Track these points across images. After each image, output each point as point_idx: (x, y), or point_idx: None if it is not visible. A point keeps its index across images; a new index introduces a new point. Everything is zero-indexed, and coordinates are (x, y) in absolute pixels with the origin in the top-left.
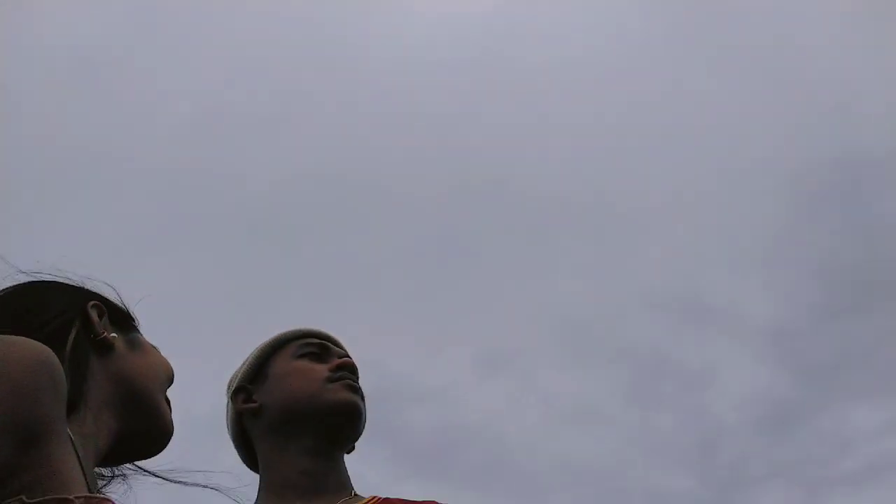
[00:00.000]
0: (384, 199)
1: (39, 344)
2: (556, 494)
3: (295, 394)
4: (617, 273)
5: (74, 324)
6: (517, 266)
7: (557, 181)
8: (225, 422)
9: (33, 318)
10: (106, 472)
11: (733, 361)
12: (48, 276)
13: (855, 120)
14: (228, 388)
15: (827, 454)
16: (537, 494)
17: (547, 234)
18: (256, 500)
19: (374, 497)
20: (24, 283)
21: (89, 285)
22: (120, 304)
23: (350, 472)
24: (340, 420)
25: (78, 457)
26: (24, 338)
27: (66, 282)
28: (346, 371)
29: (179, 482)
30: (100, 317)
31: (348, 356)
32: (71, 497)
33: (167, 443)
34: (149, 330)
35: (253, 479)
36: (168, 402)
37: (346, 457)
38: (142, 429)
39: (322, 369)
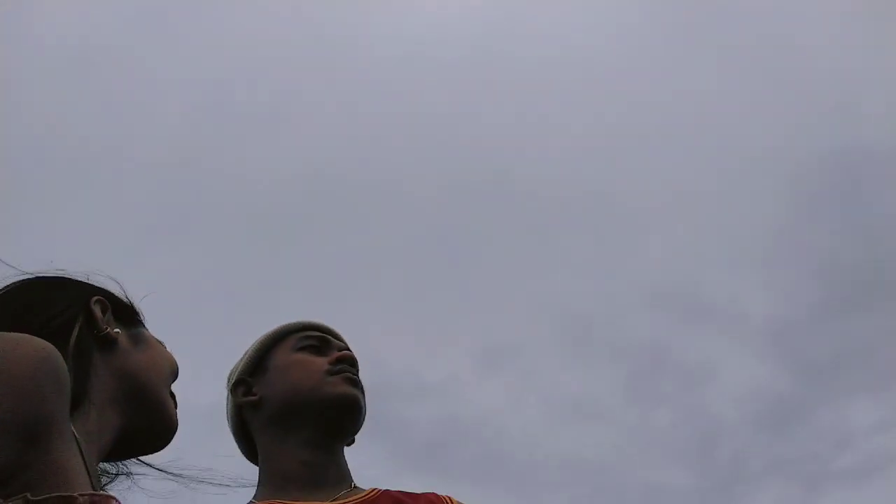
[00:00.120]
0: (385, 197)
1: (42, 341)
2: (556, 490)
3: (295, 386)
4: (617, 270)
5: (77, 320)
6: (517, 263)
7: (558, 179)
8: (225, 415)
9: (36, 315)
10: (111, 468)
11: (732, 358)
12: (51, 273)
13: (855, 118)
14: (228, 380)
15: (825, 451)
16: (537, 490)
17: (547, 231)
18: (256, 492)
19: (374, 489)
20: (27, 280)
21: (93, 281)
22: (124, 299)
23: (350, 466)
24: (340, 413)
25: (82, 454)
26: (27, 335)
27: (69, 278)
28: (346, 364)
29: (182, 476)
30: (103, 312)
31: (348, 349)
32: (75, 495)
33: (171, 438)
34: (148, 326)
35: (253, 471)
36: (173, 396)
37: (346, 450)
38: (145, 424)
39: (322, 362)
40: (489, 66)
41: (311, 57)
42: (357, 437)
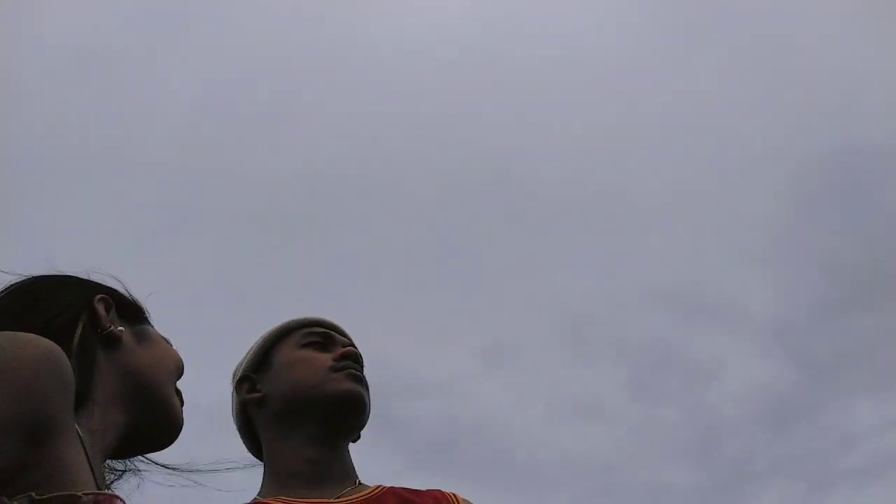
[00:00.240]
0: (385, 197)
1: (46, 340)
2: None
3: (299, 383)
4: (620, 269)
5: (81, 318)
6: (520, 262)
7: (558, 179)
8: (230, 411)
9: (39, 313)
10: (119, 465)
11: (736, 357)
12: (54, 272)
13: (856, 117)
14: (233, 377)
15: (829, 449)
16: (540, 488)
17: (550, 230)
18: (261, 488)
19: (379, 486)
20: (30, 279)
21: (96, 279)
22: (128, 297)
23: (354, 464)
24: (344, 410)
25: (86, 452)
26: (30, 334)
27: (73, 276)
28: (350, 360)
29: (187, 471)
30: (107, 310)
31: (353, 345)
32: (79, 493)
33: (177, 435)
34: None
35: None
36: (179, 394)
37: (351, 447)
38: (150, 422)
39: (326, 358)
40: (489, 66)
41: (311, 57)
42: (362, 431)
